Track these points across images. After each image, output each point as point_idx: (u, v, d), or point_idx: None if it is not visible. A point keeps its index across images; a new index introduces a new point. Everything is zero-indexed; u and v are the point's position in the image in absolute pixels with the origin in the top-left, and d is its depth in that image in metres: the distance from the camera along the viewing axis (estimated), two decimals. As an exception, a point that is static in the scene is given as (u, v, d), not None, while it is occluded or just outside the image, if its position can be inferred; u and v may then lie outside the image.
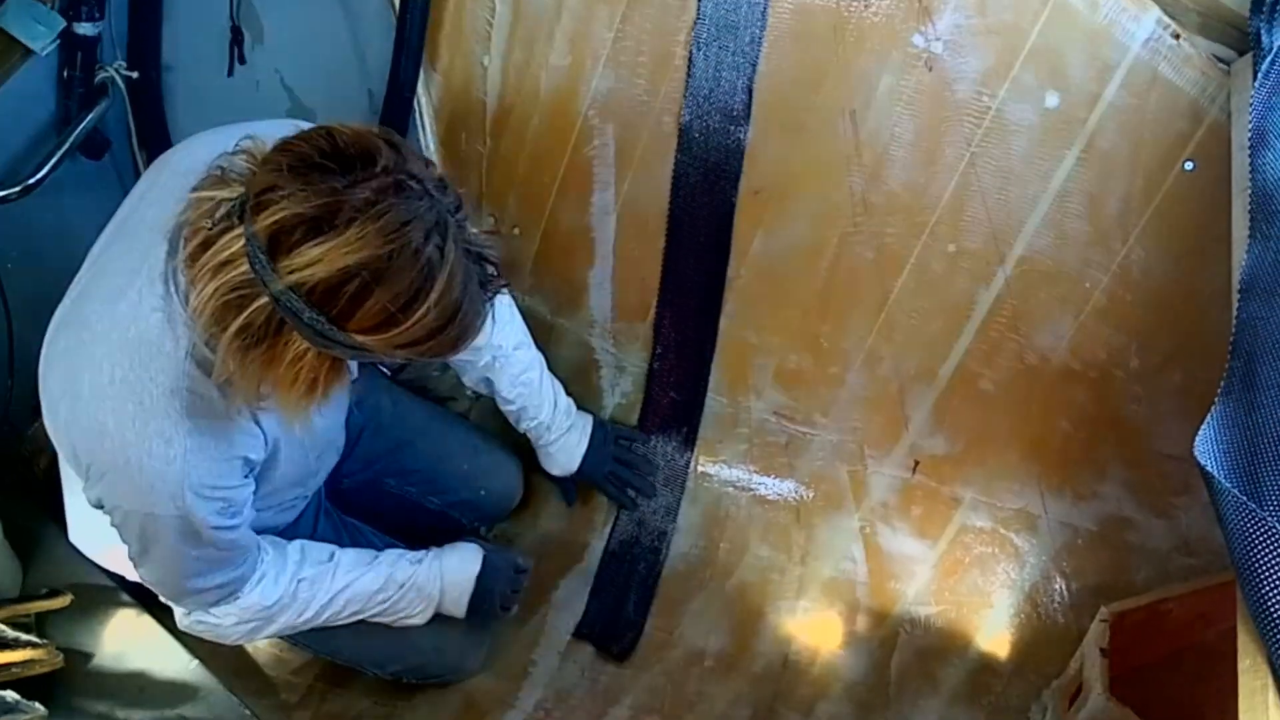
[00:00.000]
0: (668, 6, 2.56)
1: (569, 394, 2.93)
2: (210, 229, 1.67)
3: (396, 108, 2.86)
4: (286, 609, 2.34)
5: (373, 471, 2.85)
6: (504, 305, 2.40)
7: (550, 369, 2.97)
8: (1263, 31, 2.03)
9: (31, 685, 2.35)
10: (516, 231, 3.08)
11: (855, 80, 2.50)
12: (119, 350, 1.80)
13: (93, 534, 2.40)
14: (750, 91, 2.58)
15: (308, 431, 2.22)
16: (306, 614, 2.39)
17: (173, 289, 1.78)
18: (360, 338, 1.66)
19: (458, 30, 2.80)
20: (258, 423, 1.99)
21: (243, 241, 1.63)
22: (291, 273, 1.58)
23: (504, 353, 2.65)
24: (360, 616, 2.51)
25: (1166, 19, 2.23)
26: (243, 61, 3.02)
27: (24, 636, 2.43)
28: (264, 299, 1.65)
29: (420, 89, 2.89)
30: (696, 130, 2.66)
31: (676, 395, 3.09)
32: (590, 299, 3.10)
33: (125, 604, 2.63)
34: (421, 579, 2.59)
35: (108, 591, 2.65)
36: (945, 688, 2.87)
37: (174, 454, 1.82)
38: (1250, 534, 1.35)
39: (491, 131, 2.94)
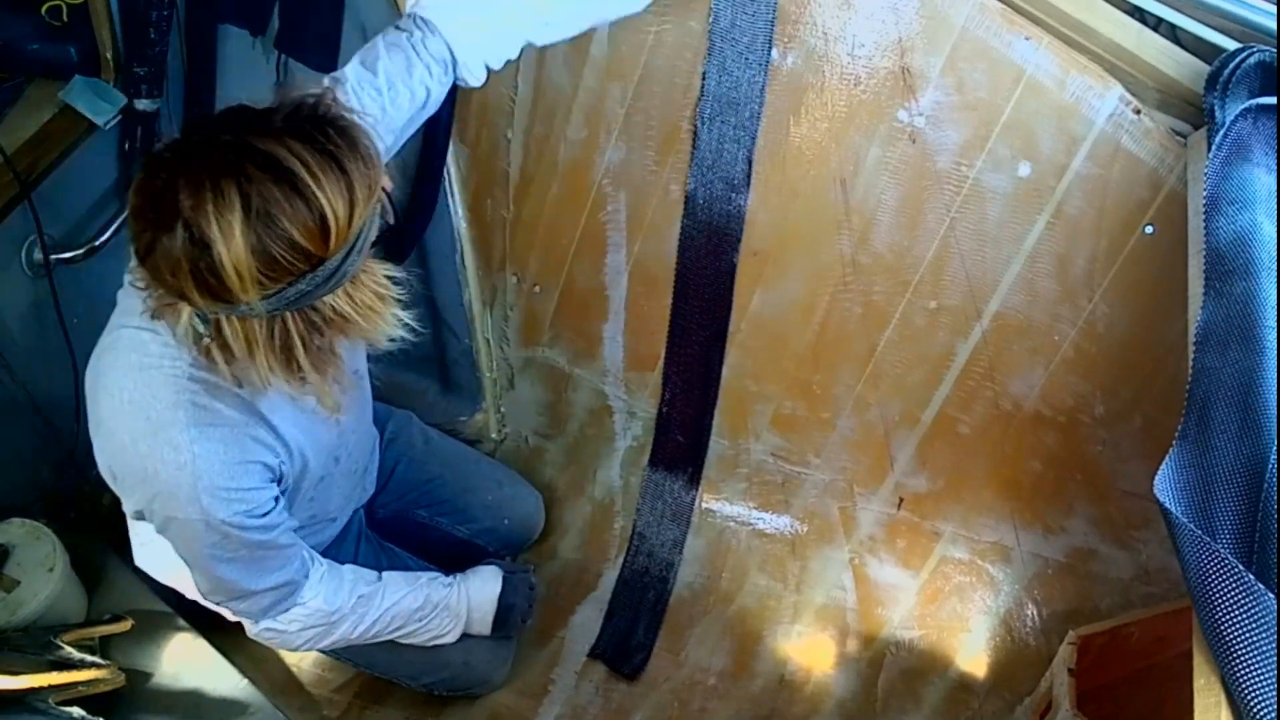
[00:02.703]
0: (674, 85, 2.58)
1: (584, 435, 2.93)
2: (203, 338, 1.69)
3: (428, 178, 2.87)
4: (346, 619, 2.35)
5: (405, 502, 2.87)
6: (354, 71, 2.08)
7: (567, 414, 2.98)
8: (1216, 107, 2.04)
9: (96, 703, 2.35)
10: (538, 289, 3.09)
11: (845, 151, 2.51)
12: (125, 375, 1.82)
13: (154, 557, 2.41)
14: (750, 162, 2.59)
15: (332, 429, 2.21)
16: (360, 627, 2.39)
17: (163, 324, 1.77)
18: (334, 248, 1.61)
19: (483, 107, 2.82)
20: (274, 430, 1.97)
21: (226, 326, 1.66)
22: (245, 293, 1.56)
23: (423, 67, 2.15)
24: (401, 633, 2.52)
25: (1128, 96, 2.24)
26: (288, 134, 3.03)
27: (89, 658, 2.44)
28: (283, 318, 1.66)
29: (450, 160, 2.91)
30: (701, 197, 2.67)
31: (683, 438, 3.10)
32: (604, 350, 3.11)
33: (182, 628, 2.63)
34: (452, 600, 2.60)
35: (166, 617, 2.65)
36: (927, 704, 2.87)
37: (184, 460, 1.82)
38: (1204, 564, 1.36)
39: (514, 199, 2.95)
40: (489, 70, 2.21)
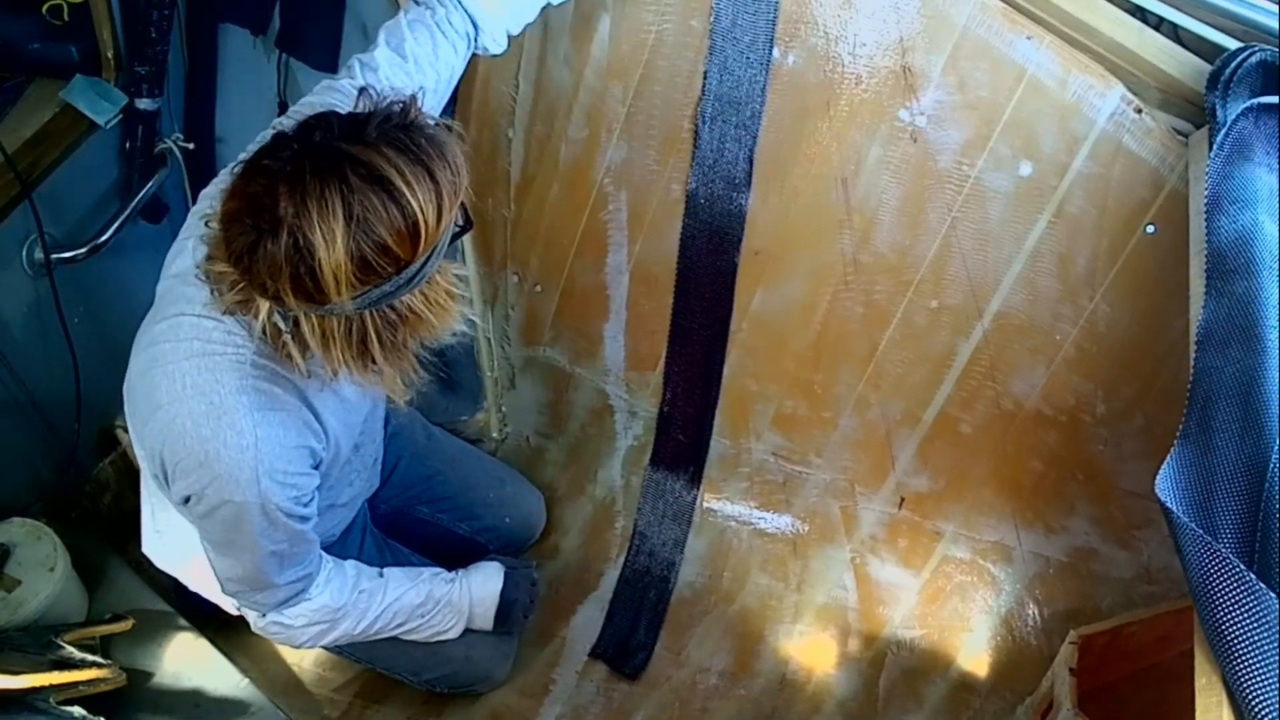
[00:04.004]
0: (675, 84, 2.57)
1: (585, 435, 2.93)
2: (282, 334, 1.75)
3: (429, 176, 2.86)
4: (349, 614, 2.36)
5: (407, 498, 2.88)
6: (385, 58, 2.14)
7: (568, 414, 2.99)
8: (1217, 106, 2.04)
9: (97, 702, 2.36)
10: (538, 289, 3.09)
11: (847, 151, 2.51)
12: (187, 361, 1.84)
13: (165, 547, 2.41)
14: (751, 161, 2.59)
15: (358, 419, 2.25)
16: (363, 623, 2.40)
17: (226, 315, 1.81)
18: (421, 251, 1.66)
19: (484, 106, 2.82)
20: (318, 417, 2.01)
21: (304, 322, 1.71)
22: (339, 294, 1.61)
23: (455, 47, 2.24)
24: (404, 629, 2.53)
25: (1130, 95, 2.24)
26: (289, 134, 3.03)
27: (90, 657, 2.44)
28: (361, 316, 1.71)
29: (451, 159, 2.90)
30: (702, 197, 2.67)
31: (684, 438, 3.10)
32: (605, 350, 3.11)
33: (183, 628, 2.64)
34: (454, 596, 2.61)
35: (167, 616, 2.66)
36: (929, 704, 2.87)
37: (246, 444, 1.85)
38: (1206, 564, 1.36)
39: (516, 198, 2.95)
40: (510, 37, 2.28)
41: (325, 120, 1.64)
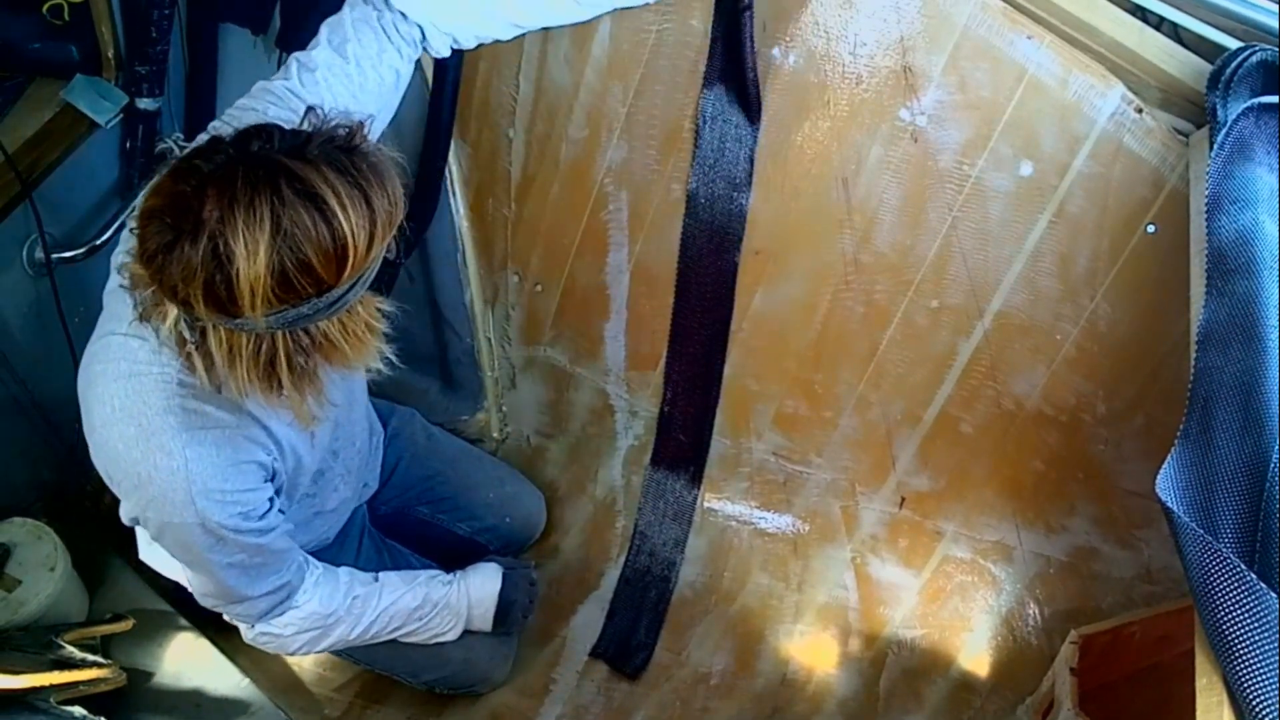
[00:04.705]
0: (676, 83, 2.58)
1: (586, 434, 2.93)
2: (187, 344, 1.68)
3: (430, 177, 2.87)
4: (342, 621, 2.35)
5: (407, 498, 2.88)
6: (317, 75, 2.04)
7: (569, 413, 2.99)
8: (1218, 106, 2.04)
9: (97, 702, 2.36)
10: (539, 289, 3.09)
11: (847, 151, 2.51)
12: (115, 382, 1.81)
13: (159, 553, 2.40)
14: (752, 160, 2.59)
15: (326, 425, 2.20)
16: (358, 629, 2.40)
17: (150, 330, 1.76)
18: (346, 276, 1.61)
19: (485, 106, 2.82)
20: (267, 430, 1.97)
21: (212, 334, 1.65)
22: (252, 309, 1.55)
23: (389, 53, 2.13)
24: (401, 633, 2.52)
25: (1130, 95, 2.24)
26: (288, 134, 3.03)
27: (90, 657, 2.44)
28: (272, 336, 1.65)
29: (451, 159, 2.91)
30: (703, 196, 2.67)
31: (684, 437, 3.10)
32: (606, 350, 3.11)
33: (183, 627, 2.64)
34: (452, 598, 2.61)
35: (167, 616, 2.66)
36: (929, 704, 2.87)
37: (176, 465, 1.82)
38: (1207, 564, 1.36)
39: (516, 198, 2.95)
40: (456, 48, 2.22)
41: (266, 131, 1.60)
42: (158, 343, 1.77)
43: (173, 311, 1.64)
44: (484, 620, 2.69)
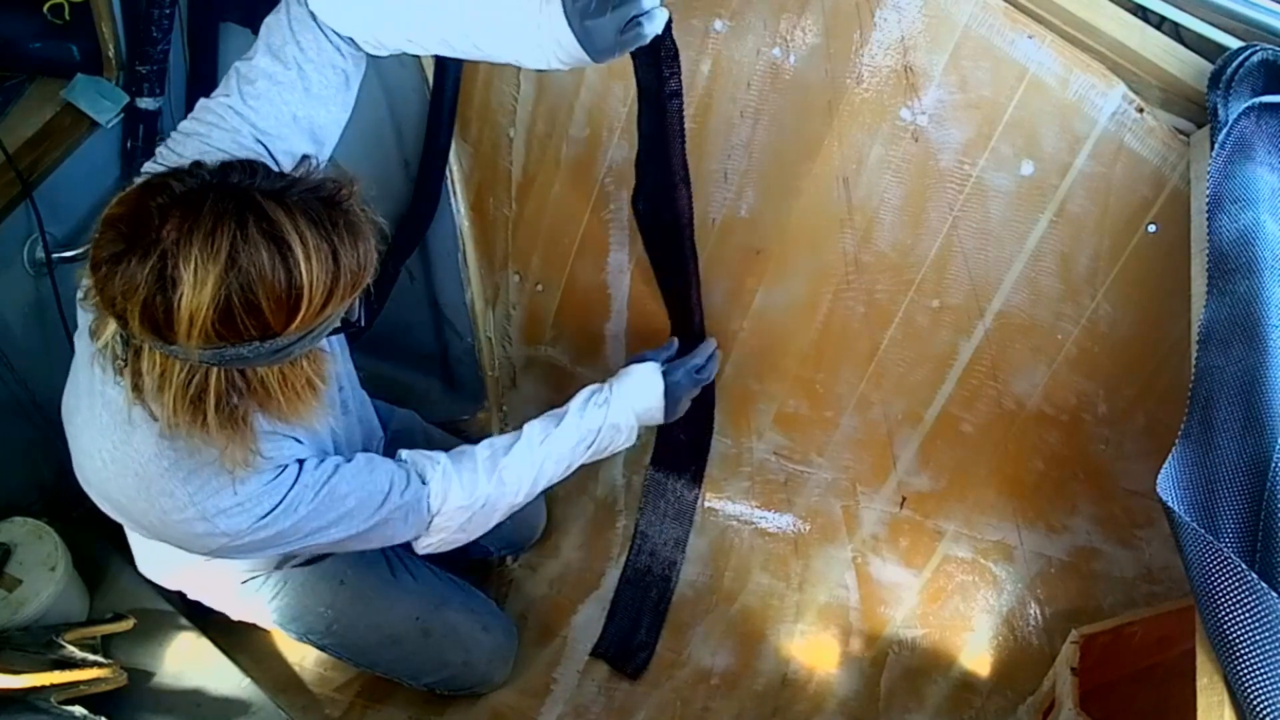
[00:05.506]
0: (677, 84, 2.58)
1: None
2: (119, 359, 1.65)
3: (430, 176, 2.87)
4: (502, 496, 2.30)
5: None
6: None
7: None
8: (1219, 106, 2.04)
9: (98, 702, 2.36)
10: (540, 288, 3.09)
11: (848, 150, 2.51)
12: (100, 435, 1.78)
13: (156, 563, 2.40)
14: (683, 155, 2.54)
15: (324, 433, 2.12)
16: (521, 493, 2.35)
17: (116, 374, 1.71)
18: (294, 328, 1.57)
19: (486, 105, 2.82)
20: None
21: (146, 355, 1.61)
22: (188, 338, 1.51)
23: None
24: (574, 468, 2.46)
25: (1131, 94, 2.24)
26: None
27: (91, 657, 2.44)
28: (206, 370, 1.60)
29: (452, 158, 2.92)
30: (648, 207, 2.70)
31: (685, 437, 3.10)
32: (607, 349, 3.11)
33: (184, 627, 2.64)
34: (614, 418, 2.48)
35: (167, 616, 2.66)
36: (930, 703, 2.87)
37: (183, 503, 1.78)
38: (1207, 563, 1.36)
39: (517, 197, 2.96)
40: (375, 53, 2.05)
41: (251, 166, 1.57)
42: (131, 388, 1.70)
43: (111, 326, 1.61)
44: (654, 421, 2.61)
